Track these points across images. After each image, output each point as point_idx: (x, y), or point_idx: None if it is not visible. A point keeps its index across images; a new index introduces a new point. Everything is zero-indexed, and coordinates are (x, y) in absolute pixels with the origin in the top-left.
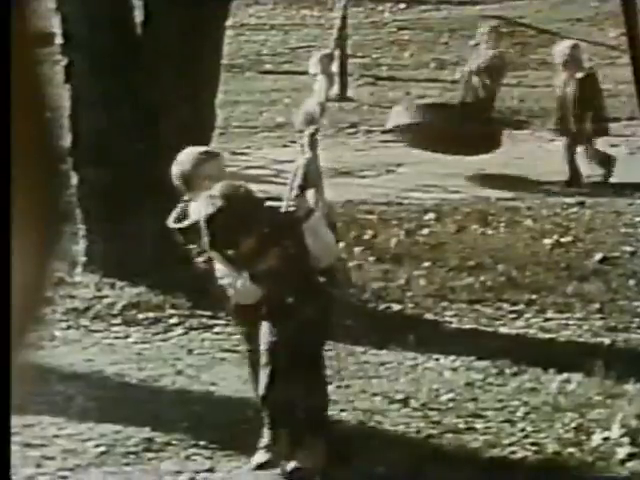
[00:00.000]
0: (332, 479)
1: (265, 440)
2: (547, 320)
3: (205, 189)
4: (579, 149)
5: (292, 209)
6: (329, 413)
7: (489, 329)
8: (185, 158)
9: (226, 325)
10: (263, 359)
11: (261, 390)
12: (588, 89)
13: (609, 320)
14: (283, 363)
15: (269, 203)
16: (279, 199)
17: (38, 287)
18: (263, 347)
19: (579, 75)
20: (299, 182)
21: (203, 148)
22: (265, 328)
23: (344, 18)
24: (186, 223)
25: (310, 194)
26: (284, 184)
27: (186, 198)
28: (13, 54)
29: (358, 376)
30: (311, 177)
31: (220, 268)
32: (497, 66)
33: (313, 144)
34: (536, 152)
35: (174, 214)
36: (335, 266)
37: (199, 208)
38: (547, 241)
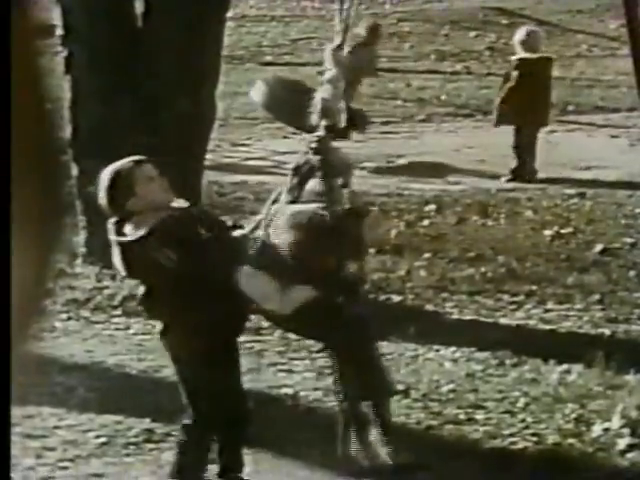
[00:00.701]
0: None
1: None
2: (547, 311)
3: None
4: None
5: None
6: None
7: (489, 320)
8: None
9: None
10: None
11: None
12: (541, 72)
13: (609, 311)
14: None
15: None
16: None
17: (39, 279)
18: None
19: (534, 56)
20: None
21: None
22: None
23: (349, 9)
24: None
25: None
26: (284, 175)
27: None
28: (13, 46)
29: None
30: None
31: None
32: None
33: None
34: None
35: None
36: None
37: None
38: (547, 232)
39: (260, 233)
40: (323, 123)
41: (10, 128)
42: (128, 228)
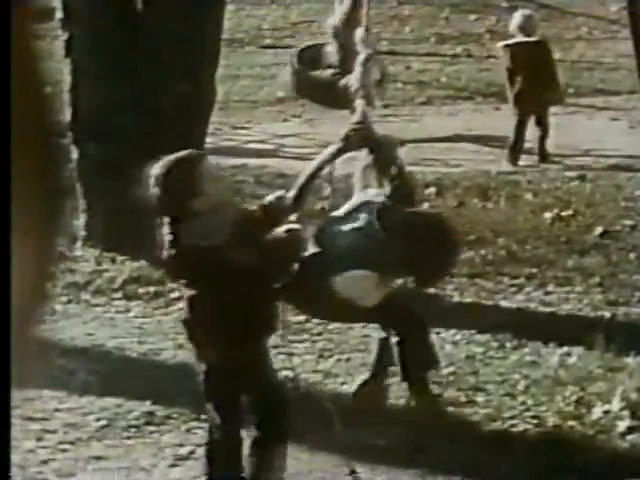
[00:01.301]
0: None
1: None
2: (547, 294)
3: None
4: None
5: None
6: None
7: (490, 303)
8: None
9: None
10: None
11: None
12: (539, 55)
13: (609, 294)
14: None
15: None
16: None
17: (40, 262)
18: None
19: (531, 39)
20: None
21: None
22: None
23: None
24: None
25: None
26: (285, 158)
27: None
28: (13, 30)
29: (358, 349)
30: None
31: None
32: None
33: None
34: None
35: None
36: None
37: None
38: (547, 215)
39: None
40: (362, 102)
41: (10, 114)
42: (187, 229)
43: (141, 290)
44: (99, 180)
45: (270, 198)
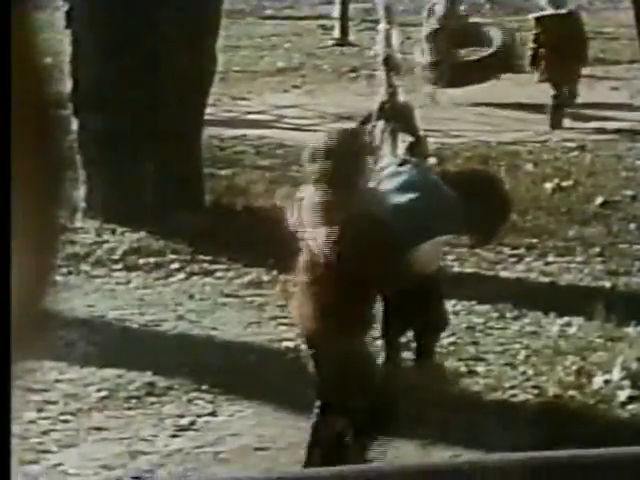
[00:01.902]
0: None
1: None
2: (548, 264)
3: None
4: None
5: None
6: None
7: (490, 273)
8: None
9: (227, 270)
10: None
11: None
12: (570, 28)
13: (610, 264)
14: None
15: None
16: None
17: (43, 235)
18: None
19: (562, 12)
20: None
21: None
22: None
23: None
24: None
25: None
26: (285, 129)
27: None
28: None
29: None
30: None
31: None
32: None
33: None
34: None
35: None
36: None
37: None
38: (548, 185)
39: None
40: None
41: (10, 85)
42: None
43: (141, 261)
44: (99, 151)
45: None
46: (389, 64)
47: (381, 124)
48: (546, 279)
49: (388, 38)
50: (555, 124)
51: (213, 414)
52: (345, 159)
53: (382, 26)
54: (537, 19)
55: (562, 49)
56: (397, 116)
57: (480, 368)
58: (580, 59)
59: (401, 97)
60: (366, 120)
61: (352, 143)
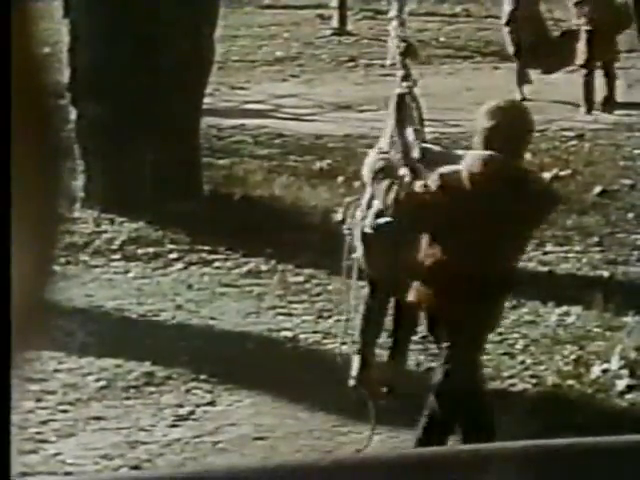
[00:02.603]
0: None
1: None
2: (546, 253)
3: None
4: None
5: None
6: None
7: None
8: None
9: (225, 260)
10: None
11: None
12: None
13: (608, 253)
14: None
15: None
16: None
17: (43, 225)
18: None
19: None
20: None
21: None
22: None
23: None
24: None
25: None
26: (283, 119)
27: None
28: None
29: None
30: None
31: None
32: None
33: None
34: (534, 83)
35: None
36: None
37: None
38: (546, 174)
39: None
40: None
41: (10, 74)
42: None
43: (140, 251)
44: (97, 141)
45: None
46: (407, 52)
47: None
48: (544, 268)
49: (403, 21)
50: (608, 109)
51: (212, 404)
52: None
53: (394, 13)
54: (576, 3)
55: (605, 30)
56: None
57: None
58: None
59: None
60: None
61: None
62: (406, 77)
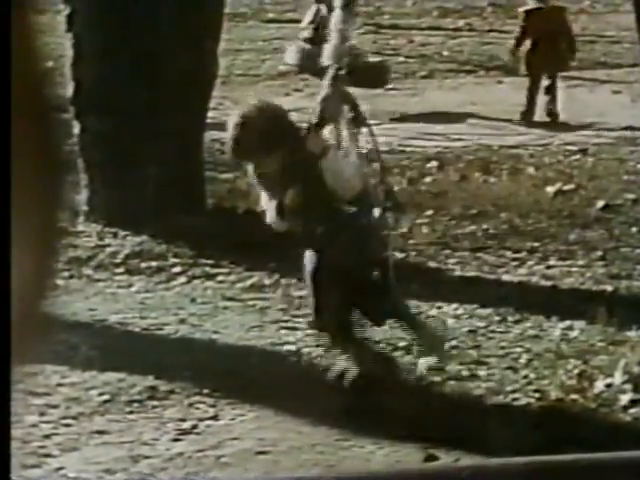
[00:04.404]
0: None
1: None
2: (550, 267)
3: None
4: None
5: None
6: None
7: (492, 277)
8: None
9: (229, 274)
10: (306, 284)
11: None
12: (554, 21)
13: (611, 267)
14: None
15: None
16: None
17: (42, 239)
18: (305, 273)
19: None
20: (315, 120)
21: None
22: (307, 255)
23: None
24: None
25: (327, 131)
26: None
27: None
28: (13, 5)
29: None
30: (329, 114)
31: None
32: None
33: (335, 80)
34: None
35: None
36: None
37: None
38: (550, 189)
39: None
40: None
41: (10, 88)
42: None
43: (143, 265)
44: (101, 154)
45: None
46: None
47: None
48: (548, 283)
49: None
50: (551, 114)
51: (215, 418)
52: None
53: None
54: (526, 12)
55: (549, 41)
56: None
57: (482, 372)
58: (568, 51)
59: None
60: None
61: None
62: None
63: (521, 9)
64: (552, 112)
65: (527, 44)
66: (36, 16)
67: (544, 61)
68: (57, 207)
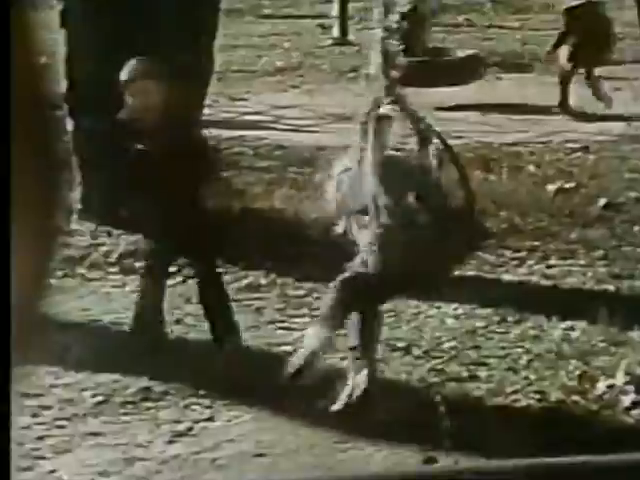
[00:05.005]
0: None
1: None
2: (550, 267)
3: None
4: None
5: None
6: None
7: (492, 276)
8: None
9: (225, 273)
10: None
11: None
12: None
13: (613, 267)
14: None
15: None
16: None
17: (39, 238)
18: None
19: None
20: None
21: None
22: None
23: None
24: None
25: None
26: (283, 130)
27: None
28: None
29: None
30: None
31: None
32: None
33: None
34: (538, 94)
35: None
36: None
37: None
38: (550, 187)
39: None
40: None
41: (10, 86)
42: None
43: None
44: (95, 153)
45: None
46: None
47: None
48: (548, 282)
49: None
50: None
51: (211, 419)
52: None
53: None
54: (567, 10)
55: (589, 38)
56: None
57: (482, 373)
58: (605, 47)
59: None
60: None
61: None
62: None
63: (564, 6)
64: (605, 96)
65: (567, 41)
66: (31, 12)
67: (583, 56)
68: (55, 205)
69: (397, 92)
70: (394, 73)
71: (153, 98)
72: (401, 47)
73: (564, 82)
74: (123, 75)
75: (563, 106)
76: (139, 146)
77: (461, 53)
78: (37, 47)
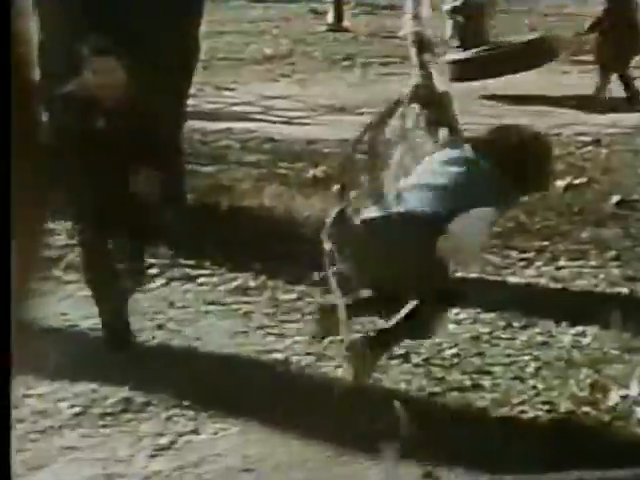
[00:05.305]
0: None
1: None
2: (560, 268)
3: None
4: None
5: None
6: None
7: (496, 279)
8: None
9: (211, 275)
10: None
11: None
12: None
13: (627, 268)
14: None
15: None
16: None
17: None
18: None
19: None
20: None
21: None
22: None
23: None
24: None
25: None
26: (273, 122)
27: None
28: None
29: (356, 330)
30: None
31: None
32: None
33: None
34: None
35: None
36: None
37: None
38: (560, 183)
39: None
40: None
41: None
42: None
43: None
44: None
45: None
46: (421, 44)
47: (416, 108)
48: (558, 285)
49: (417, 14)
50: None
51: (195, 432)
52: None
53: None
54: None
55: (620, 35)
56: (435, 104)
57: (486, 382)
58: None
59: (438, 83)
60: (397, 104)
61: None
62: (421, 69)
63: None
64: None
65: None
66: None
67: (613, 50)
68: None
69: (431, 81)
70: (428, 61)
71: (113, 76)
72: (437, 37)
73: (606, 72)
74: (84, 49)
75: (599, 95)
76: (88, 123)
77: (521, 39)
78: (19, 35)
